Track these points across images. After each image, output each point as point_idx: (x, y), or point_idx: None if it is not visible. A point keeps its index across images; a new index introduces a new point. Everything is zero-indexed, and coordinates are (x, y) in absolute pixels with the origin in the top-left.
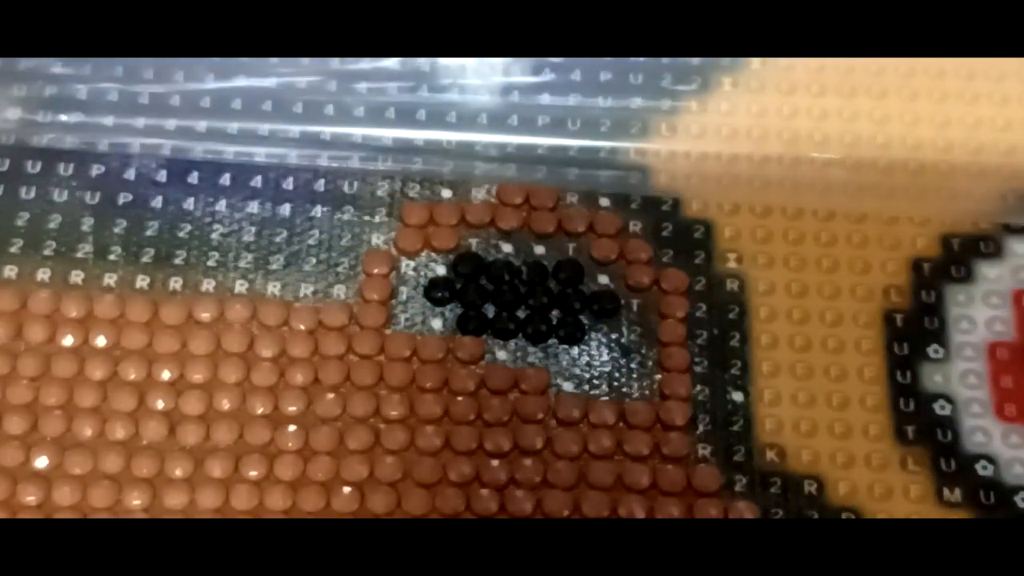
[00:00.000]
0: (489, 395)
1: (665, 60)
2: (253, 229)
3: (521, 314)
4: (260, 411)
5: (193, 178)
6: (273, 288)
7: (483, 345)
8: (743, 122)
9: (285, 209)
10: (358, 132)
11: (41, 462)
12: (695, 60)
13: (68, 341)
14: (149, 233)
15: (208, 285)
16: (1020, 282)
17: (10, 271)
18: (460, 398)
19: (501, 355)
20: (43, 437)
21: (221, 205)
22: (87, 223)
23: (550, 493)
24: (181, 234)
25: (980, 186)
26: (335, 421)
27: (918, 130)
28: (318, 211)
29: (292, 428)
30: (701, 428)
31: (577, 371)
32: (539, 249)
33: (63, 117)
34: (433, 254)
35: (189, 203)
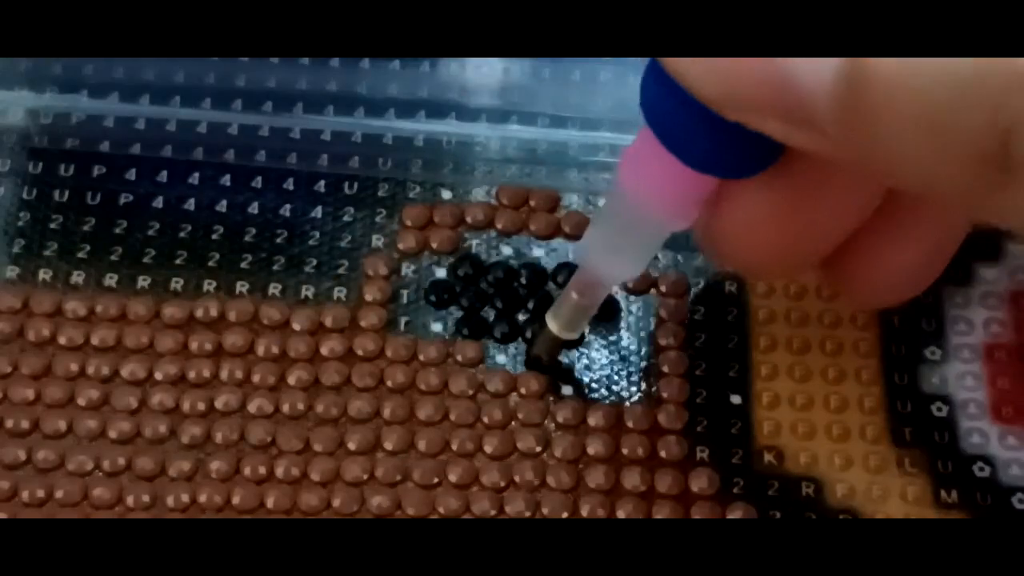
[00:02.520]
0: (488, 398)
1: None
2: (254, 230)
3: (521, 317)
4: (260, 411)
5: (194, 179)
6: (274, 289)
7: (482, 348)
8: None
9: (285, 210)
10: (358, 132)
11: (42, 460)
12: None
13: (70, 340)
14: (150, 233)
15: (209, 286)
16: (1018, 284)
17: (11, 271)
18: (459, 401)
19: (500, 359)
20: (44, 436)
21: (222, 206)
22: (88, 223)
23: (548, 496)
24: (182, 234)
25: None
26: (335, 422)
27: None
28: (318, 212)
29: (292, 428)
30: (699, 431)
31: (575, 374)
32: (538, 251)
33: (64, 117)
34: (433, 256)
35: (190, 203)
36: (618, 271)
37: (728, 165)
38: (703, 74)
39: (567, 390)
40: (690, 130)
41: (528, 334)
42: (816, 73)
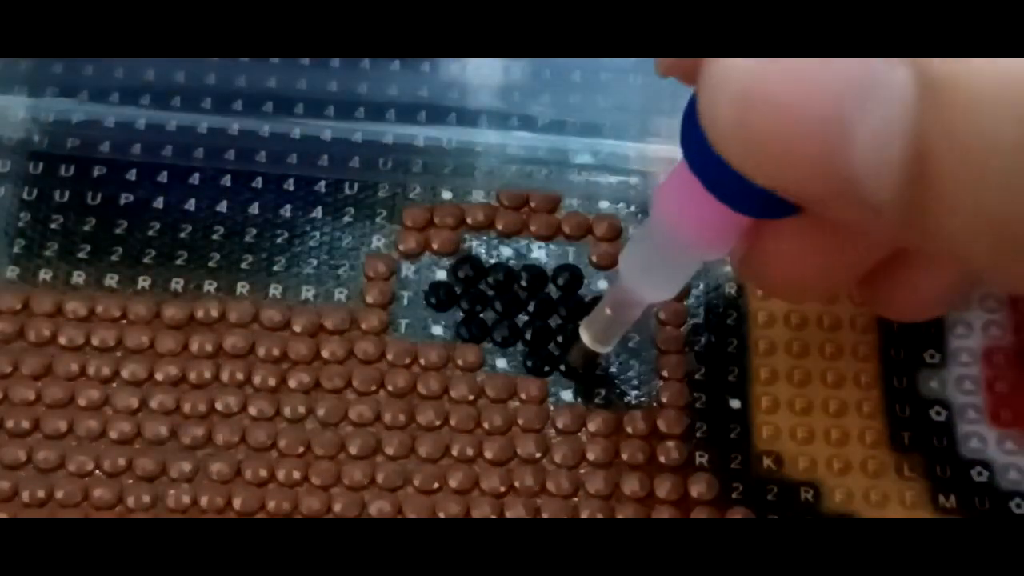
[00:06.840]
0: (488, 403)
1: None
2: (254, 231)
3: (521, 320)
4: (261, 413)
5: (194, 179)
6: (274, 290)
7: (482, 352)
8: None
9: (286, 211)
10: (359, 133)
11: (43, 460)
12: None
13: (70, 341)
14: (150, 234)
15: (209, 286)
16: None
17: (12, 271)
18: (459, 405)
19: (500, 363)
20: (45, 436)
21: (222, 206)
22: (89, 223)
23: (548, 501)
24: (182, 235)
25: None
26: (335, 425)
27: None
28: (319, 213)
29: (292, 431)
30: (698, 435)
31: (575, 378)
32: (539, 253)
33: (65, 117)
34: (433, 257)
35: (190, 204)
36: (651, 293)
37: (767, 209)
38: (758, 165)
39: (567, 395)
40: (729, 175)
41: (527, 337)
42: (879, 176)
